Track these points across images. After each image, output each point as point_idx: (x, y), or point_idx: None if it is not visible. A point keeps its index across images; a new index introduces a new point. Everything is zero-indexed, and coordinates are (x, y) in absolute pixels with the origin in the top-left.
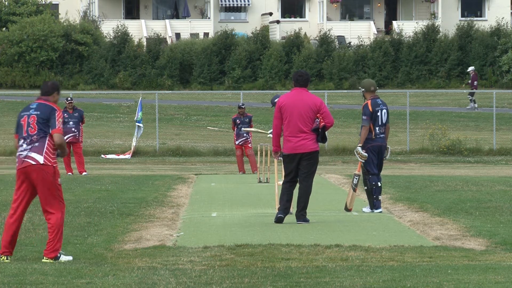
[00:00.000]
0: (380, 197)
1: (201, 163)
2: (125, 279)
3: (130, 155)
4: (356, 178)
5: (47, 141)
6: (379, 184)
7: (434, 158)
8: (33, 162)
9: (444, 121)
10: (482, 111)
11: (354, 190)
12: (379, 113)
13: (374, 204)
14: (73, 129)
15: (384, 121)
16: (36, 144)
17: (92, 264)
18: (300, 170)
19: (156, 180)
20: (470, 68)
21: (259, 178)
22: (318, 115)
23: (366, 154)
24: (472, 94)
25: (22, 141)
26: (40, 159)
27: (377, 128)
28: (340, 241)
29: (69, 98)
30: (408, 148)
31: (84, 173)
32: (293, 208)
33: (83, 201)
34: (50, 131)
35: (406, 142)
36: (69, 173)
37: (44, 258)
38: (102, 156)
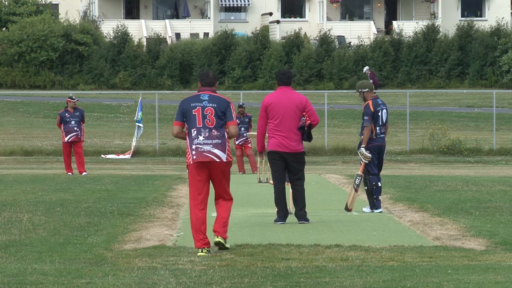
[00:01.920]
0: (380, 197)
1: None
2: (125, 279)
3: (130, 155)
4: (359, 179)
5: (227, 138)
6: (379, 184)
7: (434, 158)
8: (217, 160)
9: (444, 121)
10: (482, 111)
11: (356, 190)
12: (379, 113)
13: (374, 204)
14: (75, 128)
15: (384, 121)
16: (218, 141)
17: (92, 264)
18: (290, 172)
19: (156, 180)
20: (365, 69)
21: (259, 178)
22: (304, 113)
23: (370, 155)
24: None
25: (196, 132)
26: (224, 157)
27: (377, 128)
28: (340, 241)
29: (73, 97)
30: (408, 148)
31: (84, 173)
32: (293, 208)
33: (83, 201)
34: (226, 123)
35: (406, 142)
36: (69, 173)
37: (218, 237)
38: (102, 156)
